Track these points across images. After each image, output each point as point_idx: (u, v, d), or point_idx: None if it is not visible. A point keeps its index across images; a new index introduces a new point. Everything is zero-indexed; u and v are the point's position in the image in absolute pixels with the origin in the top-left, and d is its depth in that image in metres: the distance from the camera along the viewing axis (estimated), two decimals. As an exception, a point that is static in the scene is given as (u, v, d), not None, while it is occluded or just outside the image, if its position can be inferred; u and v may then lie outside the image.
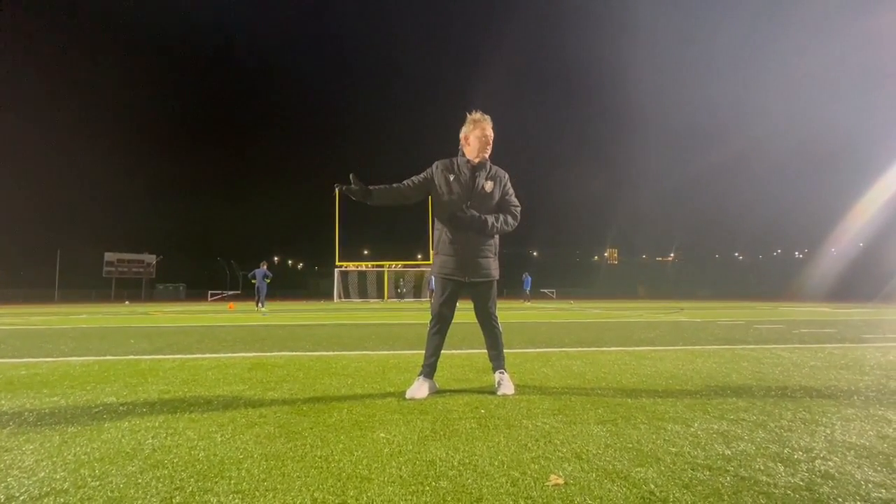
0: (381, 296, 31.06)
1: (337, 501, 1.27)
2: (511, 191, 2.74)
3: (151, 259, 45.59)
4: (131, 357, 4.14)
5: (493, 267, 2.73)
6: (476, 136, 2.61)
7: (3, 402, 2.45)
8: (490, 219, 2.60)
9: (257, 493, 1.31)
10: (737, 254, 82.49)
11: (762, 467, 1.49)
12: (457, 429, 1.92)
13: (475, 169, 2.65)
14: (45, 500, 1.28)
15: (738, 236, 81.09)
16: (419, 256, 46.70)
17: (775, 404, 2.33)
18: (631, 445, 1.69)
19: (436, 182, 2.68)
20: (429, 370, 2.66)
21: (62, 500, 1.28)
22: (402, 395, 2.56)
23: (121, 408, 2.31)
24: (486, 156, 2.65)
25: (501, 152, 3.05)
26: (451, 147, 2.83)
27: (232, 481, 1.40)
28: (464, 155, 2.68)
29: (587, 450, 1.65)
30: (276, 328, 7.59)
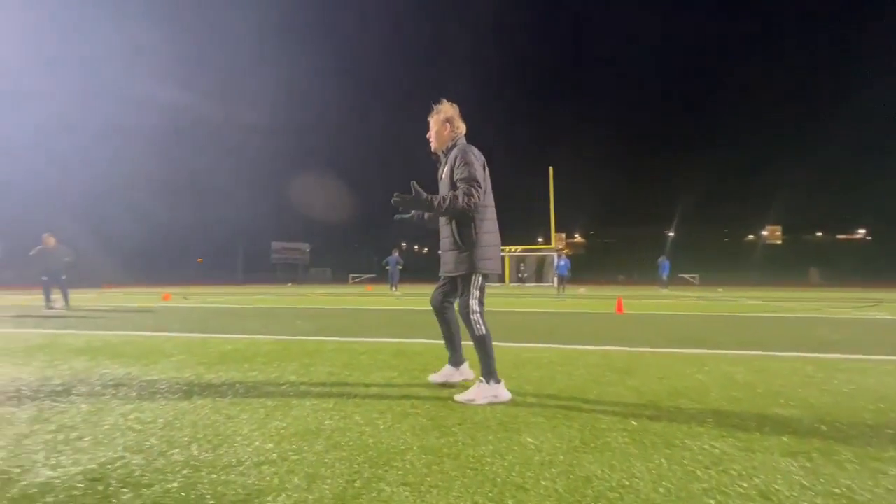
0: (502, 280, 31.30)
1: (497, 509, 1.31)
2: (459, 164, 2.41)
3: (306, 247, 53.46)
4: (300, 338, 4.88)
5: (454, 261, 2.49)
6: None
7: (222, 373, 3.10)
8: (436, 197, 2.41)
9: (422, 489, 1.43)
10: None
11: None
12: (608, 442, 1.83)
13: (439, 159, 2.65)
14: (263, 468, 1.58)
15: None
16: (539, 240, 45.64)
17: None
18: (839, 492, 1.40)
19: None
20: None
21: (274, 469, 1.57)
22: (540, 394, 2.54)
23: (301, 386, 2.74)
24: (435, 145, 2.63)
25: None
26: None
27: (399, 472, 1.55)
28: None
29: (776, 489, 1.42)
30: (413, 313, 8.18)
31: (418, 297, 14.42)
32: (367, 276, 43.06)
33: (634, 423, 2.07)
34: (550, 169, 29.08)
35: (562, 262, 16.86)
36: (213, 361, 3.50)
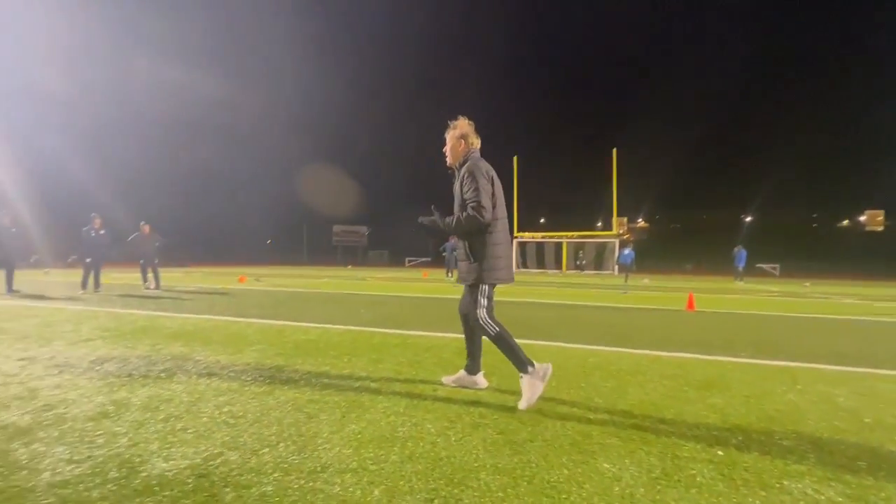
0: (559, 267, 30.55)
1: (580, 548, 1.28)
2: (467, 181, 2.57)
3: (364, 230, 55.51)
4: (366, 329, 5.07)
5: (465, 270, 2.69)
6: None
7: (299, 366, 3.31)
8: (448, 218, 2.62)
9: (501, 514, 1.43)
10: None
11: None
12: (692, 475, 1.73)
13: (453, 174, 2.76)
14: (346, 477, 1.66)
15: None
16: (599, 225, 43.72)
17: None
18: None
19: None
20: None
21: (356, 479, 1.65)
22: (613, 410, 2.45)
23: (371, 384, 2.85)
24: (451, 160, 2.76)
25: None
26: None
27: (475, 493, 1.56)
28: None
29: (901, 557, 1.26)
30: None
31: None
32: (423, 259, 43.98)
33: (721, 452, 1.94)
34: (614, 151, 27.59)
35: (626, 251, 16.14)
36: (290, 352, 3.74)
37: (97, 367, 3.15)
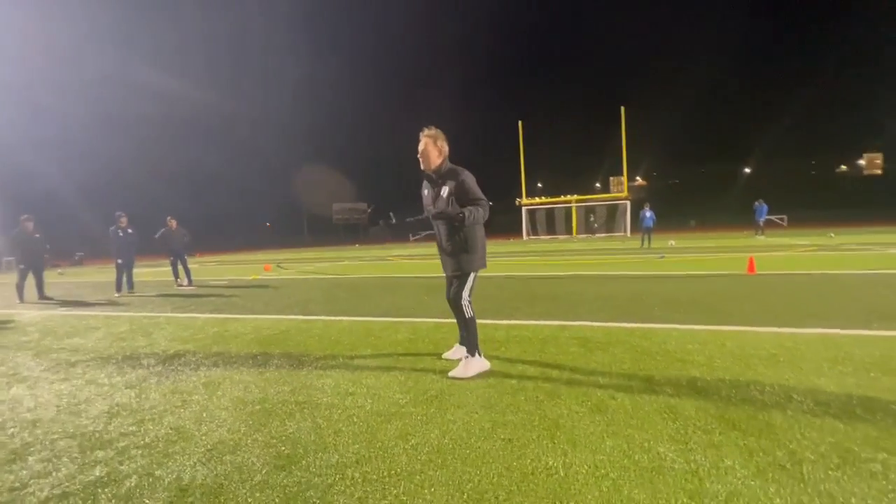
0: (569, 232, 30.34)
1: None
2: (466, 185, 2.90)
3: (365, 207, 54.79)
4: (439, 321, 4.80)
5: (454, 262, 3.03)
6: (419, 150, 3.00)
7: (431, 384, 3.06)
8: (463, 213, 2.85)
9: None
10: None
11: None
12: None
13: (431, 179, 3.04)
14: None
15: None
16: (597, 185, 43.21)
17: None
18: None
19: (422, 197, 3.17)
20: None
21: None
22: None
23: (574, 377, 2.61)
24: (431, 166, 2.99)
25: None
26: None
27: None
28: None
29: None
30: (522, 281, 7.94)
31: (511, 261, 14.23)
32: (427, 232, 43.74)
33: None
34: (622, 109, 26.86)
35: (648, 214, 15.99)
36: (406, 361, 3.47)
37: (248, 400, 2.89)
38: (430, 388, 2.79)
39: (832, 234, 18.14)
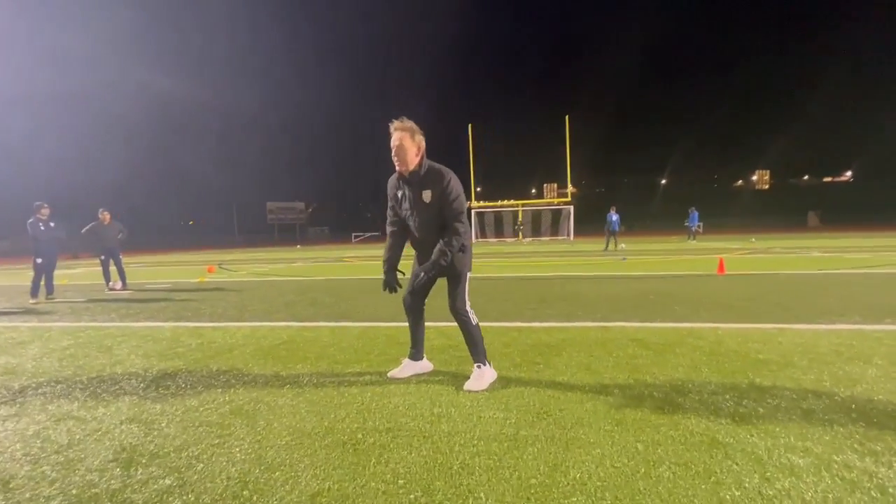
0: (516, 235, 31.05)
1: None
2: (452, 194, 2.52)
3: (302, 206, 51.95)
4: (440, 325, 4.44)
5: (457, 261, 2.71)
6: (391, 147, 2.51)
7: (457, 399, 2.68)
8: (447, 250, 2.54)
9: None
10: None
11: None
12: None
13: (409, 181, 2.58)
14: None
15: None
16: (533, 192, 45.01)
17: None
18: None
19: (393, 200, 2.73)
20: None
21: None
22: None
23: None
24: (409, 166, 2.52)
25: None
26: None
27: None
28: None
29: None
30: (534, 282, 7.77)
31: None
32: (371, 234, 42.42)
33: None
34: (566, 118, 28.06)
35: (614, 217, 16.63)
36: (454, 361, 3.07)
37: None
38: (537, 404, 2.41)
39: (753, 239, 20.30)
